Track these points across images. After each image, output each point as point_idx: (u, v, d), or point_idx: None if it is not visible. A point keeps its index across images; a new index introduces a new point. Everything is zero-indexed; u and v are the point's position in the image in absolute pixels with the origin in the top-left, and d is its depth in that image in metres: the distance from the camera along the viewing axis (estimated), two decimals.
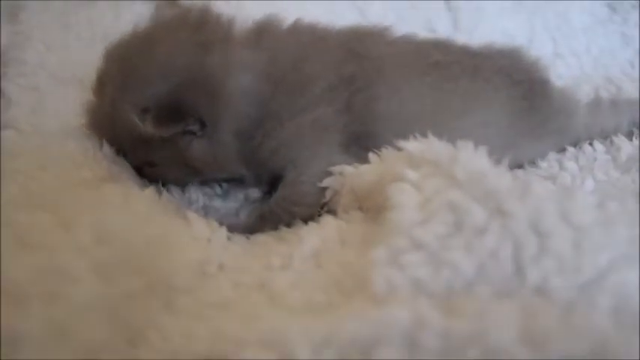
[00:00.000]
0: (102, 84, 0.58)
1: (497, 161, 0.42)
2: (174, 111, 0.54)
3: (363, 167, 0.52)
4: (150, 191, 0.55)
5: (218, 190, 0.63)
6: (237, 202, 0.63)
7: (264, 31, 0.60)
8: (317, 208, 0.55)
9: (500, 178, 0.40)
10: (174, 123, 0.54)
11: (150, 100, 0.54)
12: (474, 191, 0.39)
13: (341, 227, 0.49)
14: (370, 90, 0.57)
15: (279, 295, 0.42)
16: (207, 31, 0.57)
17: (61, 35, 0.91)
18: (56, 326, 0.35)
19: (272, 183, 0.60)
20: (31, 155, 0.56)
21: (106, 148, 0.59)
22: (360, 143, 0.56)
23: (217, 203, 0.62)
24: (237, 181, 0.62)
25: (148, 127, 0.54)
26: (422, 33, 0.92)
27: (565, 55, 0.99)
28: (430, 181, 0.41)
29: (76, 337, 0.35)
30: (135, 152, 0.58)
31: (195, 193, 0.62)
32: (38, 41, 0.89)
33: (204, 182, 0.62)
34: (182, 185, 0.61)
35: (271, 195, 0.59)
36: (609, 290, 0.35)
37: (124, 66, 0.56)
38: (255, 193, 0.63)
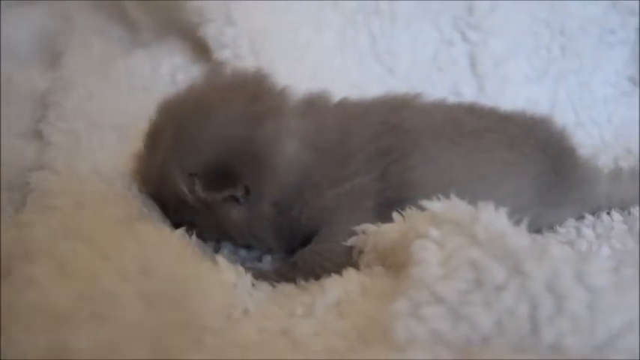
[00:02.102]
0: (153, 140, 0.60)
1: (517, 222, 0.44)
2: (222, 177, 0.56)
3: (386, 226, 0.53)
4: (180, 232, 0.57)
5: None
6: (261, 250, 0.65)
7: (314, 104, 0.62)
8: (345, 267, 0.55)
9: (520, 238, 0.41)
10: (221, 189, 0.56)
11: (198, 166, 0.56)
12: (494, 250, 0.40)
13: (363, 280, 0.50)
14: (405, 160, 0.59)
15: (301, 341, 0.43)
16: (261, 101, 0.59)
17: (101, 83, 0.92)
18: (104, 345, 0.37)
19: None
20: (68, 194, 0.58)
21: (135, 189, 0.62)
22: (393, 209, 0.55)
23: (242, 253, 0.65)
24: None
25: (195, 192, 0.56)
26: (447, 96, 0.95)
27: (586, 125, 1.01)
28: (452, 239, 0.43)
29: (122, 357, 0.37)
30: (177, 213, 0.60)
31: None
32: (79, 87, 0.90)
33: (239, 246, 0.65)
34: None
35: (294, 252, 0.60)
36: (622, 353, 0.36)
37: (176, 130, 0.58)
38: None
